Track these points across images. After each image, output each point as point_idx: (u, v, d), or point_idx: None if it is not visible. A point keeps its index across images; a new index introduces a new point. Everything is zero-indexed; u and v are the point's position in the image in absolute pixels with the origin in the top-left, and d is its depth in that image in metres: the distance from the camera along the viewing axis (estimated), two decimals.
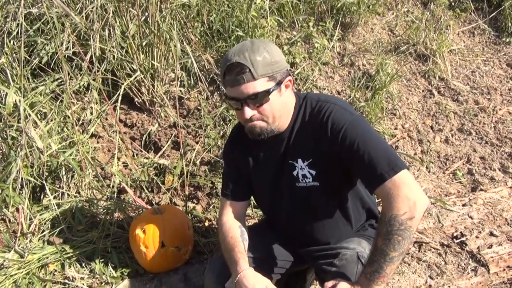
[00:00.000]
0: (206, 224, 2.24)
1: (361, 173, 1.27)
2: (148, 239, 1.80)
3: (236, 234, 1.44)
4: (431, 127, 3.08)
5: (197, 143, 2.57)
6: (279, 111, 1.33)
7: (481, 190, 2.63)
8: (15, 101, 2.00)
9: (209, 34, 2.89)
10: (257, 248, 1.51)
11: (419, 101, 3.22)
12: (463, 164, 2.86)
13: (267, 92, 1.27)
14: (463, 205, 2.45)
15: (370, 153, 1.22)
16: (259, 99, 1.27)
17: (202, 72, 2.73)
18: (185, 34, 2.66)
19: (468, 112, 3.20)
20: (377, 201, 1.70)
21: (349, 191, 1.45)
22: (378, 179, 1.19)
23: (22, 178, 1.98)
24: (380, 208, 1.31)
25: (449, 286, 2.02)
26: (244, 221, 1.55)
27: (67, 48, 2.30)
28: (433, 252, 2.16)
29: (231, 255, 1.38)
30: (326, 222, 1.47)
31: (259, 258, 1.50)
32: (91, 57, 2.40)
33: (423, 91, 3.30)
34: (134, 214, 2.23)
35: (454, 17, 3.85)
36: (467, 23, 3.91)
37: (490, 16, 3.91)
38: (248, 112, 1.29)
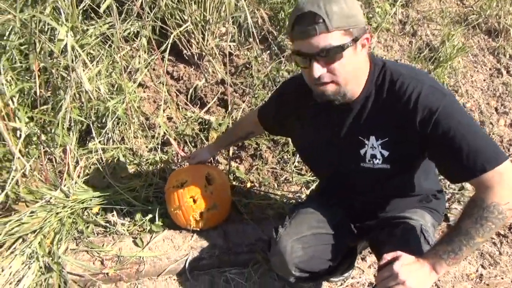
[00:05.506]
0: (248, 185, 2.18)
1: (455, 163, 1.11)
2: (184, 195, 1.77)
3: (237, 132, 1.89)
4: (496, 109, 2.83)
5: (243, 102, 2.47)
6: (352, 73, 1.17)
7: None
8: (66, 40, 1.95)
9: None
10: (325, 225, 1.43)
11: (484, 80, 2.95)
12: None
13: (341, 48, 1.10)
14: None
15: (469, 143, 1.07)
16: (331, 55, 1.11)
17: (255, 29, 2.59)
18: None
19: None
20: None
21: (418, 167, 1.32)
22: (479, 170, 1.06)
23: (70, 118, 1.96)
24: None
25: (502, 278, 1.89)
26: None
27: None
28: (488, 240, 2.01)
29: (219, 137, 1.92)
30: (390, 196, 1.37)
31: (327, 234, 1.42)
32: (141, 3, 2.31)
33: (490, 69, 3.02)
34: (176, 168, 2.20)
35: None
36: None
37: None
38: (317, 69, 1.13)
